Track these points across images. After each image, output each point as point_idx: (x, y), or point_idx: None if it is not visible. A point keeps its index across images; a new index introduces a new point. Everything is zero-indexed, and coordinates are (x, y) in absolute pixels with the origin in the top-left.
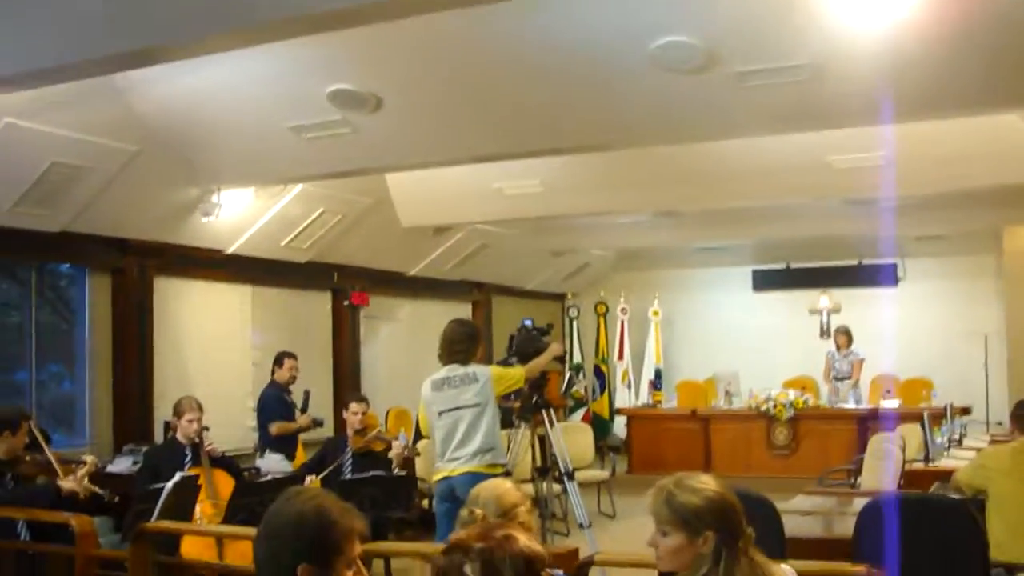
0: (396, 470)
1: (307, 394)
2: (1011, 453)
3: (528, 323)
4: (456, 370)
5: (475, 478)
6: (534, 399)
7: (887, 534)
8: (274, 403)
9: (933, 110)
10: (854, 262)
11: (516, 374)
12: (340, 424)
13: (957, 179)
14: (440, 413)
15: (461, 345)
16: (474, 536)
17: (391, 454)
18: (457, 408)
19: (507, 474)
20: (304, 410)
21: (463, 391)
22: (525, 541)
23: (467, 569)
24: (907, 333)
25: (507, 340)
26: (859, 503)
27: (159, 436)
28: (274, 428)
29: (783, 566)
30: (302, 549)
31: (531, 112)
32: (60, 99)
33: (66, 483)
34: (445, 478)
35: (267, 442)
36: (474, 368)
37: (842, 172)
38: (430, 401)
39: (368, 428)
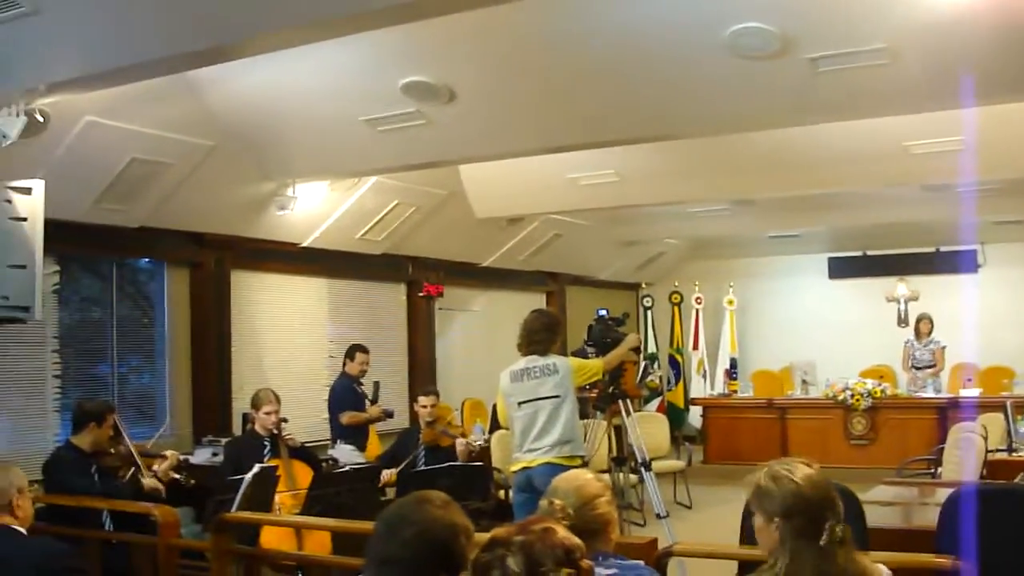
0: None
1: (376, 385)
2: None
3: (603, 313)
4: (536, 361)
5: (553, 469)
6: (611, 389)
7: (970, 524)
8: (345, 393)
9: (1015, 92)
10: (932, 249)
11: (595, 366)
12: (414, 416)
13: None
14: (519, 404)
15: (541, 335)
16: (514, 530)
17: (457, 451)
18: (537, 399)
19: (584, 465)
20: (374, 401)
21: (543, 382)
22: (563, 533)
23: (510, 562)
24: (987, 320)
25: (581, 331)
26: (940, 494)
27: (237, 428)
28: (345, 418)
29: (879, 566)
30: (444, 561)
31: (605, 102)
32: (138, 97)
33: (148, 481)
34: (523, 469)
35: (339, 432)
36: (554, 359)
37: (920, 157)
38: (509, 392)
39: (439, 421)
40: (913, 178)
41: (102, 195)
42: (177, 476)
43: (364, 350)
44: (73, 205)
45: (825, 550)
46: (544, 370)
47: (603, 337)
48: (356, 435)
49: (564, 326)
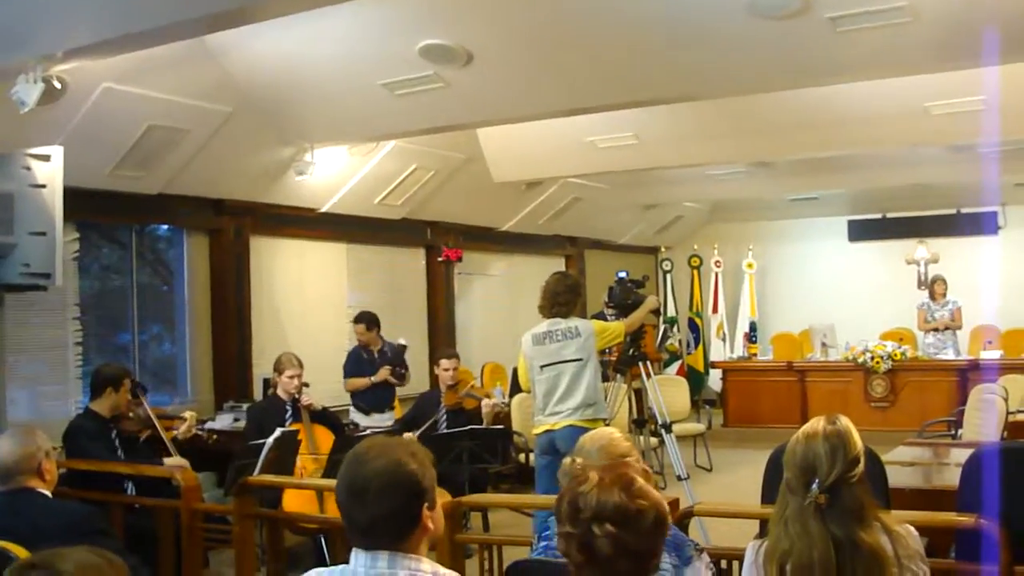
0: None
1: (401, 348)
2: None
3: (623, 275)
4: (558, 324)
5: (576, 432)
6: (632, 352)
7: (993, 483)
8: (347, 360)
9: None
10: (952, 211)
11: (617, 328)
12: (434, 379)
13: None
14: (542, 367)
15: (564, 297)
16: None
17: (483, 412)
18: (560, 362)
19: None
20: (393, 364)
21: (565, 345)
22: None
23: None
24: (1008, 282)
25: (601, 295)
26: (960, 454)
27: (258, 394)
28: (346, 385)
29: (907, 526)
30: (418, 493)
31: (623, 63)
32: (156, 63)
33: (171, 460)
34: (546, 431)
35: (352, 398)
36: (576, 322)
37: (940, 118)
38: (531, 355)
39: (461, 384)
40: (934, 139)
41: (120, 162)
42: (200, 433)
43: (358, 319)
44: (91, 172)
45: (807, 510)
46: (567, 333)
47: (624, 299)
48: (374, 400)
49: (584, 289)
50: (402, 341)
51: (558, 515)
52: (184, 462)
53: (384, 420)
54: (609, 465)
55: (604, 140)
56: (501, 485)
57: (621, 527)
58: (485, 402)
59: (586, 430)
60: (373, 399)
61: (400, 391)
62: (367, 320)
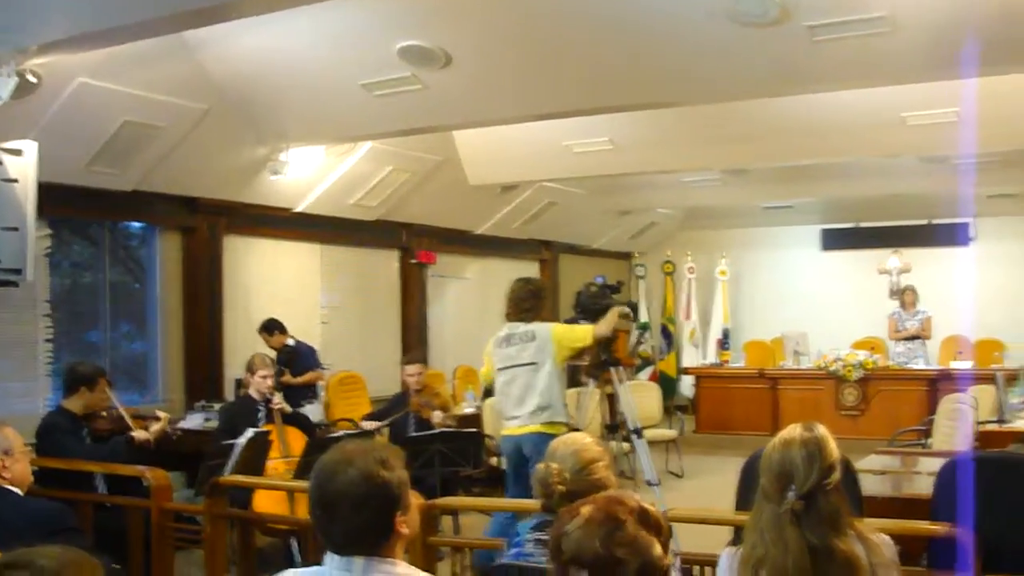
0: None
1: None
2: None
3: (600, 280)
4: (517, 328)
5: (539, 438)
6: (604, 357)
7: (966, 492)
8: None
9: (1015, 63)
10: (925, 221)
11: (583, 331)
12: (405, 383)
13: None
14: (500, 370)
15: (526, 303)
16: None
17: (434, 423)
18: (514, 366)
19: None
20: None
21: (522, 349)
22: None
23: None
24: (979, 294)
25: (573, 298)
26: (930, 463)
27: (229, 394)
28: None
29: (882, 535)
30: (392, 502)
31: (601, 68)
32: (132, 58)
33: (139, 433)
34: (510, 436)
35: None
36: (534, 326)
37: (916, 129)
38: (493, 359)
39: (426, 390)
40: (909, 149)
41: (94, 157)
42: (168, 431)
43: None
44: (65, 167)
45: (782, 517)
46: (524, 337)
47: (592, 304)
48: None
49: (552, 294)
50: (289, 341)
51: (548, 550)
52: (148, 435)
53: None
54: (604, 499)
55: (580, 145)
56: (473, 488)
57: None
58: (435, 414)
59: (549, 436)
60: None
61: (373, 392)
62: (268, 327)
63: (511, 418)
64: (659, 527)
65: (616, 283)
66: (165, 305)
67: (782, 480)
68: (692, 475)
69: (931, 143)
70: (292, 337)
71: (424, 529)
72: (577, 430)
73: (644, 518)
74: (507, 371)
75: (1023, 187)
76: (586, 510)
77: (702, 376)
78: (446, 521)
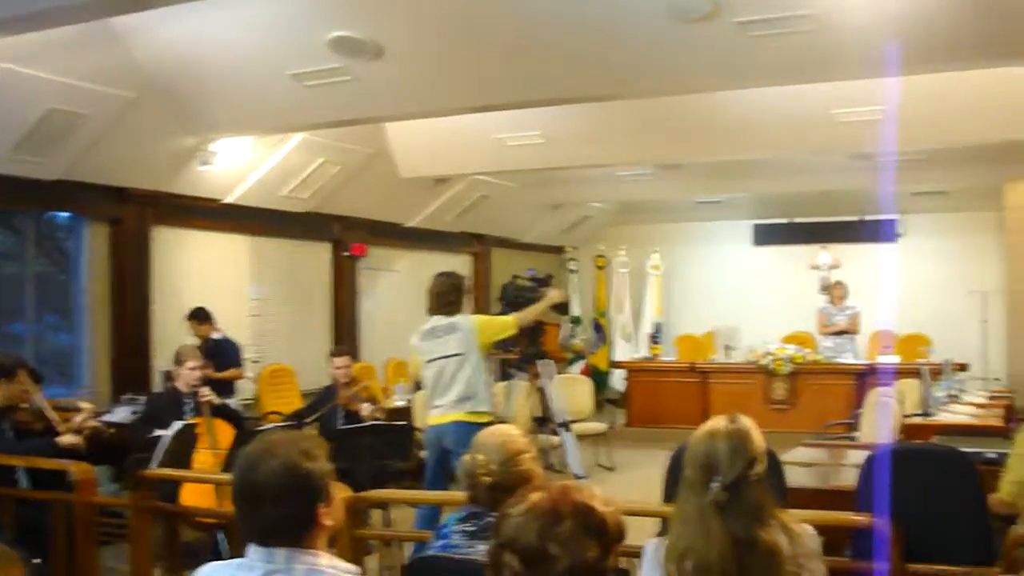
0: None
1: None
2: None
3: (531, 273)
4: (441, 321)
5: (459, 426)
6: (531, 350)
7: (888, 484)
8: None
9: (941, 62)
10: (855, 218)
11: (506, 322)
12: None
13: (960, 134)
14: (427, 363)
15: (448, 297)
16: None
17: (363, 416)
18: (441, 357)
19: (498, 422)
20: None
21: (447, 340)
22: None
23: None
24: (906, 289)
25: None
26: (857, 455)
27: (157, 386)
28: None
29: (805, 525)
30: (314, 493)
31: (534, 61)
32: (58, 45)
33: (65, 439)
34: (432, 426)
35: None
36: (457, 318)
37: (845, 126)
38: (419, 351)
39: (355, 382)
40: (839, 146)
41: (18, 146)
42: (97, 425)
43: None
44: None
45: (706, 508)
46: (448, 328)
47: (516, 297)
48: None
49: (484, 287)
50: (214, 335)
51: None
52: (77, 440)
53: None
54: (558, 491)
55: (513, 138)
56: (403, 481)
57: (528, 566)
58: (364, 406)
59: (469, 424)
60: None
61: (304, 385)
62: (199, 315)
63: (434, 407)
64: (603, 530)
65: (546, 276)
66: (92, 296)
67: (706, 471)
68: (623, 468)
69: (859, 140)
70: (218, 331)
71: (352, 522)
72: (503, 421)
73: (587, 519)
74: (434, 363)
75: (949, 185)
76: (535, 497)
77: (634, 370)
78: (377, 515)
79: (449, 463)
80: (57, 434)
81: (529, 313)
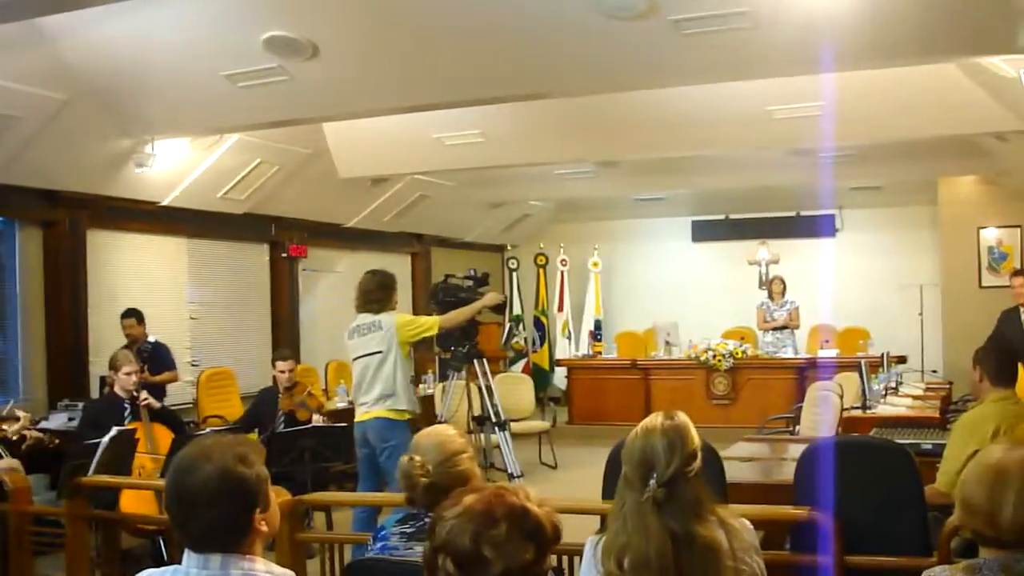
0: None
1: (151, 345)
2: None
3: (471, 272)
4: (366, 319)
5: (381, 423)
6: (466, 348)
7: (826, 476)
8: None
9: (873, 59)
10: (793, 213)
11: (427, 322)
12: (274, 378)
13: (895, 130)
14: (353, 360)
15: (375, 295)
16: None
17: (314, 421)
18: (364, 355)
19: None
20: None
21: (370, 339)
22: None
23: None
24: (844, 283)
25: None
26: (797, 449)
27: (94, 392)
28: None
29: (743, 520)
30: (250, 499)
31: (471, 60)
32: None
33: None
34: (358, 423)
35: None
36: (381, 316)
37: (781, 122)
38: (348, 349)
39: (298, 388)
40: (775, 142)
41: None
42: (40, 435)
43: (129, 314)
44: None
45: (644, 505)
46: (372, 327)
47: (445, 297)
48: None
49: (424, 286)
50: (150, 338)
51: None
52: (16, 463)
53: None
54: (491, 493)
55: (451, 137)
56: (346, 484)
57: (462, 569)
58: (316, 418)
59: (391, 421)
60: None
61: (243, 388)
62: (138, 315)
63: (360, 405)
64: (538, 531)
65: (483, 275)
66: (26, 302)
67: (643, 468)
68: (565, 466)
69: (796, 136)
70: (149, 334)
71: (292, 525)
72: (416, 418)
73: (522, 521)
74: (359, 360)
75: (884, 180)
76: (469, 499)
77: (575, 367)
78: (319, 517)
79: (377, 460)
80: None
81: (455, 315)
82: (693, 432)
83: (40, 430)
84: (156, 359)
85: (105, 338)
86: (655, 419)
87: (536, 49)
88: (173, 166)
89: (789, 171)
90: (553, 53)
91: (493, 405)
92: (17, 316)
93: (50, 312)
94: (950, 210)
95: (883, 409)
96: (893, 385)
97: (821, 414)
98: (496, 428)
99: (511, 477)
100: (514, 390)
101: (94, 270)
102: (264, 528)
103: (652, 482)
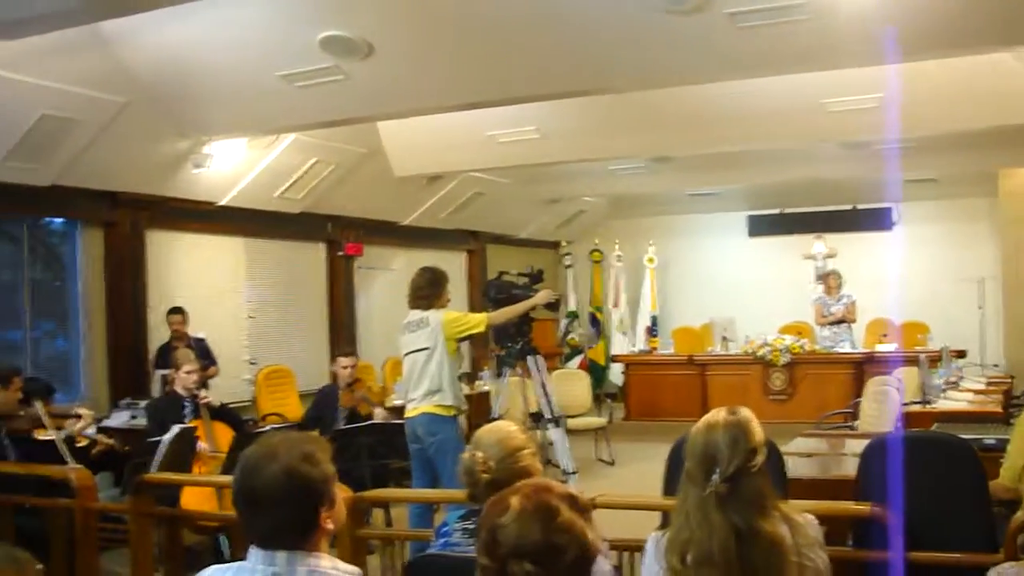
0: None
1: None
2: None
3: (528, 270)
4: (415, 315)
5: (428, 418)
6: (520, 345)
7: (893, 472)
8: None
9: (934, 49)
10: (849, 207)
11: (474, 319)
12: (333, 376)
13: (954, 121)
14: (404, 356)
15: (425, 291)
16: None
17: (375, 419)
18: (413, 351)
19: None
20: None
21: (419, 335)
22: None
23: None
24: (902, 277)
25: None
26: (856, 445)
27: (156, 391)
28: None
29: (807, 515)
30: (315, 498)
31: (525, 57)
32: (48, 50)
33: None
34: (408, 419)
35: None
36: (430, 313)
37: (837, 115)
38: (399, 345)
39: (359, 384)
40: (830, 135)
41: (11, 152)
42: (110, 442)
43: (174, 311)
44: None
45: (707, 500)
46: (420, 323)
47: (498, 294)
48: None
49: (479, 284)
50: (200, 334)
51: (477, 545)
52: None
53: None
54: (532, 488)
55: (506, 134)
56: (403, 481)
57: (541, 566)
58: (377, 411)
59: (439, 416)
60: None
61: (301, 386)
62: (184, 312)
63: (409, 401)
64: (587, 510)
65: (537, 272)
66: (88, 302)
67: (706, 463)
68: (622, 462)
69: (851, 129)
70: (201, 332)
71: (353, 522)
72: (482, 414)
73: (574, 503)
74: (408, 356)
75: (944, 172)
76: (515, 501)
77: (631, 363)
78: (378, 514)
79: (427, 455)
80: (60, 458)
81: (504, 312)
82: (756, 427)
83: (102, 429)
84: (204, 355)
85: (164, 336)
86: (718, 414)
87: (591, 45)
88: (230, 167)
89: (845, 164)
90: (608, 48)
91: (549, 401)
92: (79, 316)
93: (111, 311)
94: (1011, 202)
95: (944, 404)
96: (953, 380)
97: (881, 409)
98: (552, 424)
99: (565, 474)
100: (570, 386)
101: (153, 270)
102: (330, 525)
103: (715, 477)
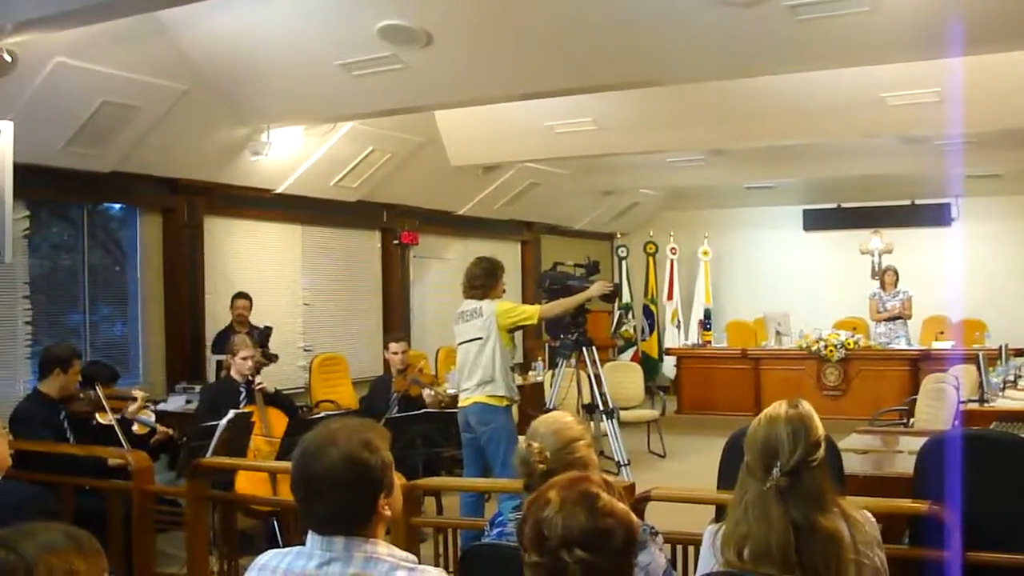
0: None
1: (266, 331)
2: None
3: (586, 260)
4: (469, 305)
5: (481, 408)
6: (574, 336)
7: (952, 470)
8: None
9: (998, 41)
10: (907, 202)
11: (527, 310)
12: (386, 363)
13: (1015, 115)
14: (458, 345)
15: (480, 281)
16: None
17: (426, 402)
18: (466, 341)
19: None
20: (262, 346)
21: (472, 325)
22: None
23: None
24: (961, 274)
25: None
26: (912, 442)
27: (211, 376)
28: None
29: (865, 512)
30: (374, 485)
31: (583, 47)
32: (110, 38)
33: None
34: (461, 408)
35: None
36: (483, 303)
37: (896, 109)
38: (454, 334)
39: (411, 368)
40: (889, 129)
41: (72, 138)
42: (167, 430)
43: (240, 296)
44: (42, 148)
45: (767, 494)
46: (473, 313)
47: (552, 285)
48: None
49: (533, 274)
50: (267, 324)
51: (521, 541)
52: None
53: None
54: (567, 480)
55: (563, 125)
56: (455, 469)
57: (591, 551)
58: (426, 392)
59: (490, 407)
60: None
61: (355, 373)
62: (251, 297)
63: (462, 391)
64: (623, 495)
65: (593, 263)
66: (145, 287)
67: (767, 457)
68: (674, 455)
69: (911, 123)
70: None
71: (406, 510)
72: (535, 405)
73: (610, 488)
74: (462, 346)
75: (1005, 167)
76: (554, 494)
77: (684, 357)
78: (429, 502)
79: (480, 444)
80: (118, 440)
81: (559, 304)
82: (817, 421)
83: (158, 413)
84: (263, 343)
85: (221, 322)
86: (779, 407)
87: (649, 36)
88: (288, 154)
89: (903, 159)
90: (666, 40)
91: (602, 393)
92: (137, 300)
93: (169, 297)
94: None
95: (1002, 403)
96: (1012, 378)
97: (938, 407)
98: (605, 416)
99: (618, 465)
100: (623, 378)
101: (211, 256)
102: (387, 512)
103: (775, 471)
